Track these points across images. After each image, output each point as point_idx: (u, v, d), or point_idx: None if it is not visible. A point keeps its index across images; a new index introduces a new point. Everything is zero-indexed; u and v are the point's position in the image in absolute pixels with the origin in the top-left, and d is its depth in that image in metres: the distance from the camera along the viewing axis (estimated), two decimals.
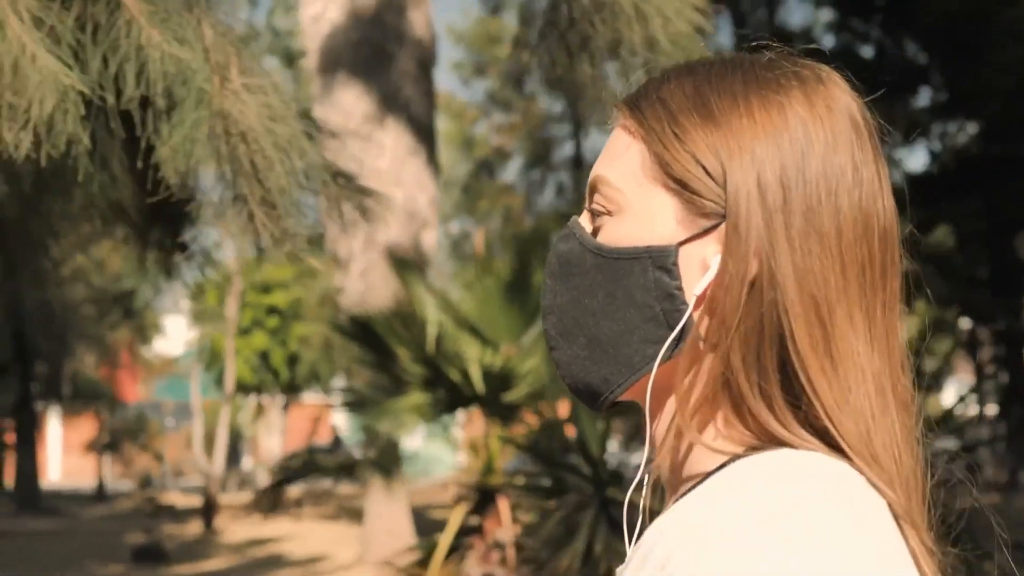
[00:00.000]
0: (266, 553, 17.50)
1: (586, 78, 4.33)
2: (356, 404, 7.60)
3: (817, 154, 0.86)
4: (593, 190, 0.94)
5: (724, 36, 21.99)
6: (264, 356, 31.24)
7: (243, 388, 33.68)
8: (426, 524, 16.72)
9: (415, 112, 14.44)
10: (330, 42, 14.46)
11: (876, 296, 0.87)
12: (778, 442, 0.85)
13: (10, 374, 22.46)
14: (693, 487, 0.86)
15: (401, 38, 14.40)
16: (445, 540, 7.06)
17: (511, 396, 6.76)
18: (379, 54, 14.29)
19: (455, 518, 7.14)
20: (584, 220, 0.95)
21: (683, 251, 0.88)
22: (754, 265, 0.85)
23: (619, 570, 0.92)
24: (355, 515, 24.29)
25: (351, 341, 7.36)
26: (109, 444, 31.25)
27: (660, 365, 0.89)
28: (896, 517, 0.84)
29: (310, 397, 36.73)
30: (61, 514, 26.23)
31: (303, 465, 9.12)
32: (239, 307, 23.78)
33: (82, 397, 29.85)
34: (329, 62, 14.43)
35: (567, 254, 0.94)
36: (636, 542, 0.90)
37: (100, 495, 30.66)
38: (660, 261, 0.88)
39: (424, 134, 14.63)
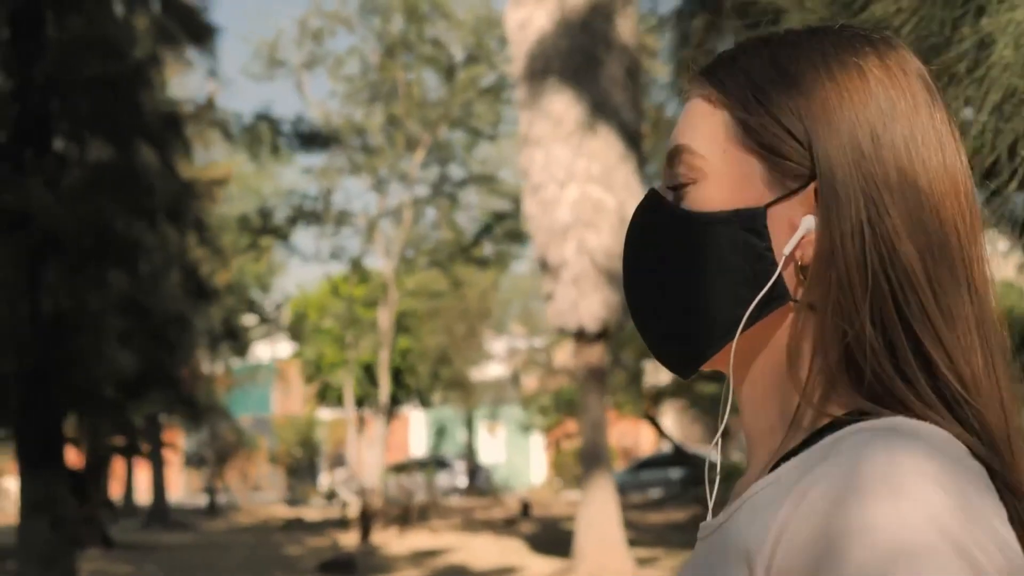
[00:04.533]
0: (445, 564, 17.41)
1: None
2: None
3: (901, 115, 0.88)
4: (673, 160, 0.94)
5: None
6: (368, 369, 31.23)
7: (344, 401, 33.71)
8: (560, 535, 16.52)
9: (624, 119, 14.38)
10: (538, 48, 14.42)
11: (973, 249, 0.88)
12: (886, 403, 0.85)
13: (150, 387, 22.35)
14: (799, 447, 0.87)
15: (609, 44, 14.34)
16: None
17: None
18: (589, 61, 14.23)
19: None
20: (664, 191, 0.96)
21: (771, 213, 0.89)
22: (856, 222, 0.86)
23: (711, 522, 0.92)
24: (491, 526, 24.20)
25: None
26: (219, 458, 31.26)
27: (750, 327, 0.89)
28: (997, 481, 0.84)
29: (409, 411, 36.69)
30: (187, 527, 26.21)
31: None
32: (393, 317, 23.73)
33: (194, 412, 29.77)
34: (537, 69, 14.38)
35: (651, 222, 0.95)
36: (732, 496, 0.92)
37: (212, 508, 30.68)
38: (749, 223, 0.89)
39: (633, 140, 14.58)
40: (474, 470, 37.35)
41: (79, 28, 10.44)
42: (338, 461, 42.88)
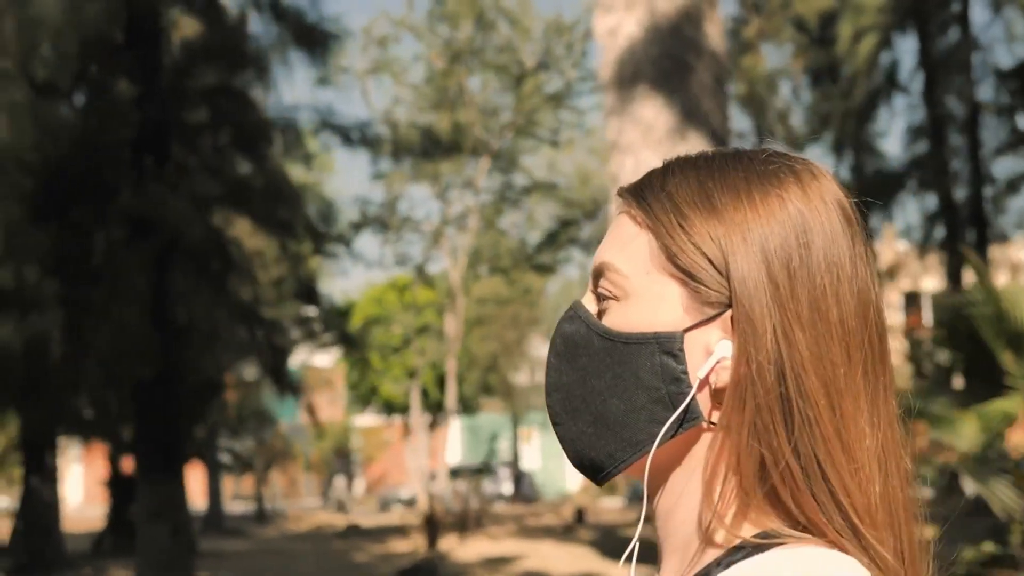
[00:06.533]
0: (522, 570, 17.39)
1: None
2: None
3: (817, 246, 0.92)
4: (599, 275, 0.98)
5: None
6: (412, 375, 31.20)
7: (390, 408, 33.73)
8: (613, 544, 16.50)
9: (714, 125, 14.36)
10: (628, 55, 14.41)
11: (878, 380, 0.93)
12: (799, 527, 0.89)
13: (216, 396, 22.46)
14: (711, 566, 0.90)
15: (699, 51, 14.34)
16: None
17: None
18: (679, 67, 14.22)
19: None
20: (588, 302, 0.99)
21: (688, 337, 0.93)
22: (771, 352, 0.89)
23: None
24: (548, 533, 24.18)
25: (940, 344, 7.20)
26: (265, 465, 31.29)
27: (663, 444, 0.93)
28: None
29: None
30: (242, 534, 26.24)
31: None
32: (461, 324, 23.68)
33: (244, 420, 29.84)
34: (626, 75, 14.37)
35: (573, 335, 0.98)
36: None
37: (261, 515, 30.70)
38: (667, 347, 0.93)
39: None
40: (519, 477, 37.32)
41: (198, 37, 10.48)
42: (341, 468, 42.84)
